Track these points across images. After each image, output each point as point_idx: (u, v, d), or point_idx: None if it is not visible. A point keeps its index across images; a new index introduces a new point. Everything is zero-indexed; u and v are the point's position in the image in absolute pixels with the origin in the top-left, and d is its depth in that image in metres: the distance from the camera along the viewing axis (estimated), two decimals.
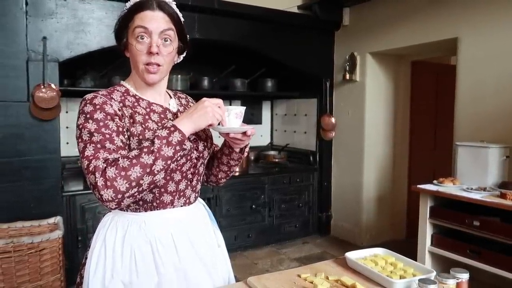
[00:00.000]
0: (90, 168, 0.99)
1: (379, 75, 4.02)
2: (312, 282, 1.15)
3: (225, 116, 1.09)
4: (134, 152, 1.00)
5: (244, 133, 1.14)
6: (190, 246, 1.18)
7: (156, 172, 1.00)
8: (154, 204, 1.14)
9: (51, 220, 2.75)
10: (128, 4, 1.13)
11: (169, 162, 1.01)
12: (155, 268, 1.12)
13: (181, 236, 1.17)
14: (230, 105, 4.77)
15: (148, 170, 0.98)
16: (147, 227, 1.13)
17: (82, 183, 3.22)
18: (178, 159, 1.04)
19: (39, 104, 2.76)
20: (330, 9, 3.97)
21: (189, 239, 1.18)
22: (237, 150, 1.27)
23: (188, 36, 1.22)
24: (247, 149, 1.30)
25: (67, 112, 3.66)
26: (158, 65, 1.11)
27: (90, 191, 3.27)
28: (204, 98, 1.07)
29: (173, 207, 1.17)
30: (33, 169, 2.82)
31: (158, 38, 1.10)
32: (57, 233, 2.52)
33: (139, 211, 1.14)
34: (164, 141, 1.00)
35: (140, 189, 1.00)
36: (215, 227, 1.32)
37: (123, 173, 0.97)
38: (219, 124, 1.10)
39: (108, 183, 0.96)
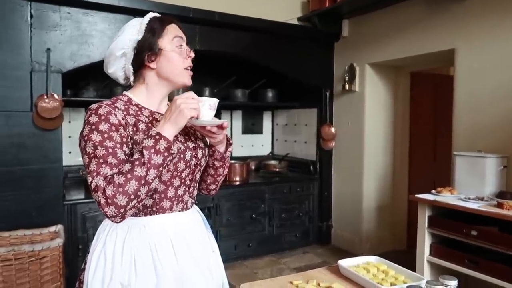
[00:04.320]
0: (93, 186, 1.05)
1: (378, 86, 4.05)
2: None
3: (200, 106, 1.13)
4: (127, 167, 1.05)
5: (219, 127, 1.19)
6: (187, 250, 1.21)
7: (150, 181, 1.06)
8: (154, 209, 1.19)
9: (52, 229, 2.78)
10: (147, 18, 1.20)
11: (160, 169, 1.07)
12: (154, 271, 1.15)
13: (179, 240, 1.20)
14: (231, 115, 4.86)
15: (143, 181, 1.05)
16: (147, 231, 1.17)
17: (84, 192, 3.26)
18: (168, 163, 1.09)
19: (42, 114, 2.82)
20: (329, 21, 4.03)
21: (187, 243, 1.22)
22: (221, 149, 1.29)
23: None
24: (230, 149, 1.33)
25: (70, 122, 3.72)
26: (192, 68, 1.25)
27: (91, 200, 3.26)
28: (176, 97, 1.11)
29: (171, 212, 1.21)
30: (35, 178, 2.86)
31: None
32: (57, 241, 2.55)
33: (139, 216, 1.19)
34: (152, 150, 1.05)
35: (139, 199, 1.06)
36: (209, 233, 1.35)
37: (120, 189, 1.03)
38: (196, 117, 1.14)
39: (109, 201, 1.03)
